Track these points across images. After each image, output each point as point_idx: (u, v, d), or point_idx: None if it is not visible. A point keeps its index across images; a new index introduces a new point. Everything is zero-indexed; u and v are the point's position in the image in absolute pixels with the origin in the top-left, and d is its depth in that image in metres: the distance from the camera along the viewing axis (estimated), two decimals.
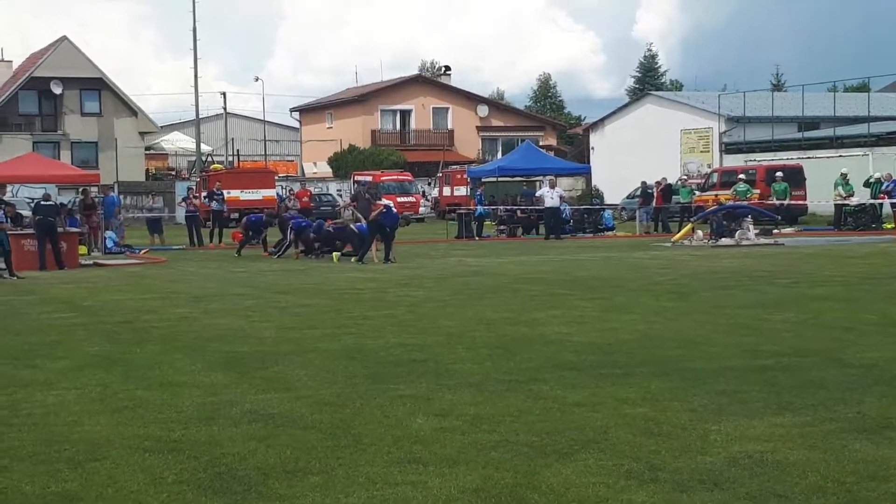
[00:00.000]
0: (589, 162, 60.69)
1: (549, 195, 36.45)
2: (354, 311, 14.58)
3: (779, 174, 39.21)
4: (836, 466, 6.21)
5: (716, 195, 39.12)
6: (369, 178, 55.10)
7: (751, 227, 30.19)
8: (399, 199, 46.26)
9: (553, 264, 23.37)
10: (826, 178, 38.80)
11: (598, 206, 44.58)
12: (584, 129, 74.50)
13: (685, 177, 45.36)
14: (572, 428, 7.25)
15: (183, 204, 38.11)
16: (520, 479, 6.07)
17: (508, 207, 39.71)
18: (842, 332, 11.61)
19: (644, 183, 41.20)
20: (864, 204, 36.99)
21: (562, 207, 37.01)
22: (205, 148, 67.81)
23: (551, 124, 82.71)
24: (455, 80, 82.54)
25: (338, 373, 9.60)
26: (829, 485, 5.87)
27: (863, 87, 68.04)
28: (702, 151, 57.97)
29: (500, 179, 44.29)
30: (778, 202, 37.17)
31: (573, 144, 78.86)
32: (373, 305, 15.30)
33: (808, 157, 46.04)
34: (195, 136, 65.19)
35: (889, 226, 35.66)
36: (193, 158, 66.67)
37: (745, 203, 34.39)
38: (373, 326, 12.82)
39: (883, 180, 36.88)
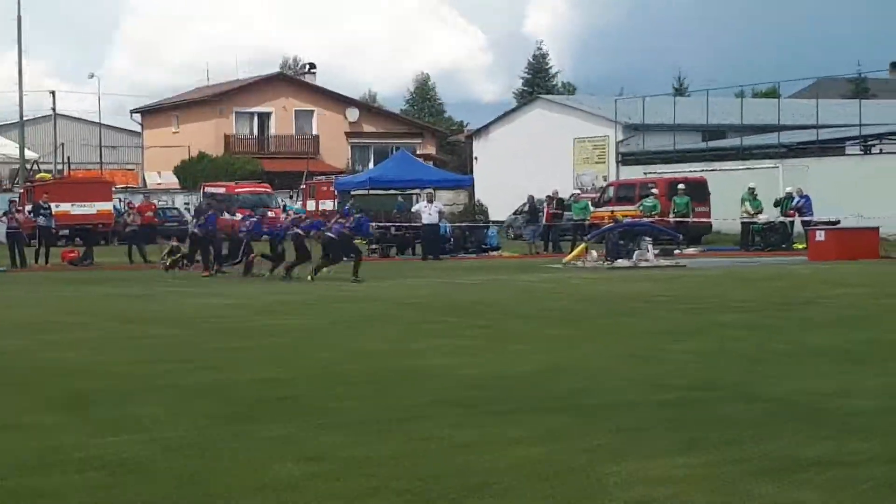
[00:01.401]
0: (472, 173, 61.19)
1: (427, 210, 36.55)
2: (215, 342, 14.54)
3: (681, 187, 39.59)
4: None
5: (612, 211, 39.54)
6: (222, 191, 54.68)
7: (650, 247, 30.55)
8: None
9: (432, 288, 23.58)
10: (732, 193, 39.35)
11: (481, 224, 44.95)
12: (466, 137, 75.05)
13: (579, 190, 45.89)
14: (457, 472, 7.39)
15: (4, 219, 37.32)
16: None
17: (381, 224, 39.80)
18: (751, 363, 11.98)
19: (531, 197, 41.29)
20: (773, 221, 37.75)
21: (441, 224, 37.21)
22: (30, 154, 66.46)
23: (430, 130, 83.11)
24: (321, 80, 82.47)
25: (195, 413, 9.59)
26: None
27: (772, 93, 69.41)
28: (597, 162, 58.90)
29: (371, 192, 44.33)
30: (677, 219, 37.53)
31: (454, 153, 79.41)
32: (236, 336, 15.26)
33: (713, 170, 46.88)
34: (19, 140, 63.88)
35: (800, 246, 36.27)
36: (16, 166, 65.32)
37: (646, 220, 34.89)
38: (235, 359, 12.81)
39: (794, 195, 37.72)
